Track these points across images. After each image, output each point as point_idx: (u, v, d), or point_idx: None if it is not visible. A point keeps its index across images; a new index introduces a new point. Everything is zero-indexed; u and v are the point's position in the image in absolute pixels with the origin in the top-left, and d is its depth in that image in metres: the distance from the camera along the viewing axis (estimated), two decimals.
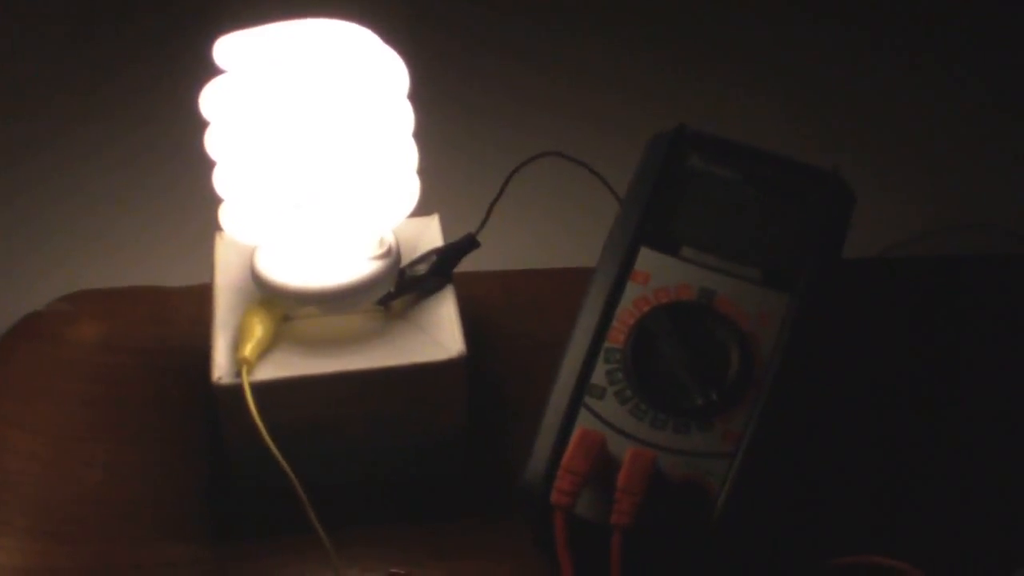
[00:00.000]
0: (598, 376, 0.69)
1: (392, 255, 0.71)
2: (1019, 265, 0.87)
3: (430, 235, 0.76)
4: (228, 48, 0.66)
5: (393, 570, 0.67)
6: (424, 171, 0.73)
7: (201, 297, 0.76)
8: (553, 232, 0.88)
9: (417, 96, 0.70)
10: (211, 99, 0.67)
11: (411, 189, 0.71)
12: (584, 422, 0.67)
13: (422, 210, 0.75)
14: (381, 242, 0.71)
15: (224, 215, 0.70)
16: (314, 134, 0.66)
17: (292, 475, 0.65)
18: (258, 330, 0.69)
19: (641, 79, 1.04)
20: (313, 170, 0.67)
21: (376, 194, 0.69)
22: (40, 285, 0.83)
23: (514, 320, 0.82)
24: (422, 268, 0.73)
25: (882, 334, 0.83)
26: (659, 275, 0.71)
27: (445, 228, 0.77)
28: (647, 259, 0.71)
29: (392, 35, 0.69)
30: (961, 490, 0.74)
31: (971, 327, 0.83)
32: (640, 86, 1.03)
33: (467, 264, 0.77)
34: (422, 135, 0.72)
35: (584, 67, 1.05)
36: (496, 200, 0.76)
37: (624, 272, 0.71)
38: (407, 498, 0.73)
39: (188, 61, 0.68)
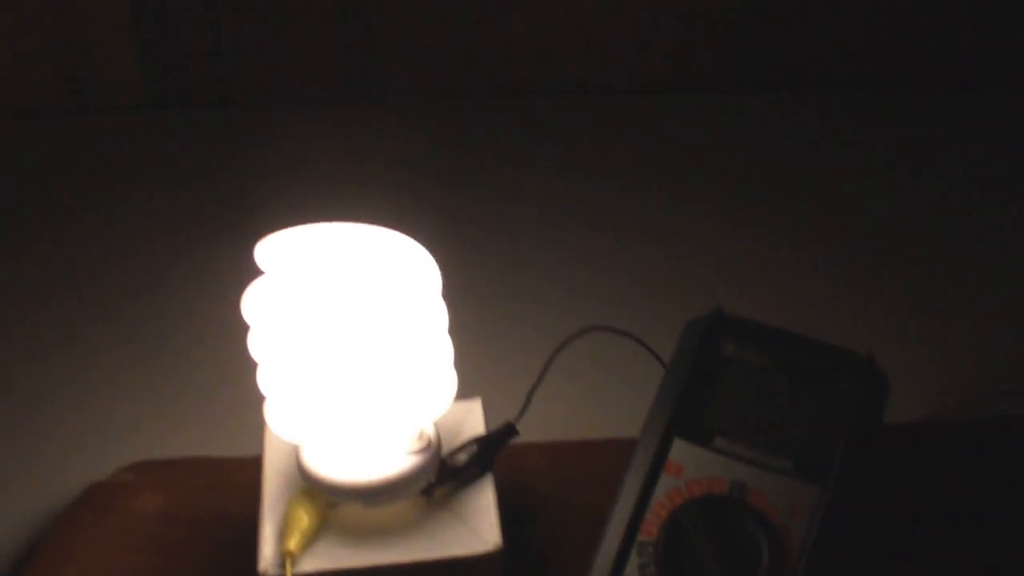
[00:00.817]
0: (631, 570, 0.70)
1: (432, 448, 0.73)
2: None
3: (473, 419, 0.78)
4: (268, 250, 0.69)
5: None
6: (470, 353, 0.75)
7: (255, 467, 0.78)
8: (602, 402, 0.90)
9: (460, 284, 0.73)
10: (251, 303, 0.70)
11: (449, 384, 0.73)
12: None
13: (467, 392, 0.77)
14: (421, 435, 0.73)
15: (268, 412, 0.72)
16: (351, 336, 0.68)
17: None
18: (303, 520, 0.72)
19: (677, 251, 1.07)
20: (352, 370, 0.69)
21: (414, 392, 0.71)
22: (104, 455, 0.87)
23: (562, 493, 0.84)
24: (463, 457, 0.75)
25: (927, 503, 0.83)
26: (692, 466, 0.72)
27: (492, 408, 0.79)
28: (680, 450, 0.72)
29: (423, 233, 0.72)
30: None
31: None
32: (676, 257, 1.06)
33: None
34: (466, 320, 0.74)
35: (614, 242, 1.08)
36: (536, 385, 0.78)
37: (658, 464, 0.72)
38: None
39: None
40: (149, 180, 1.17)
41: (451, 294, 0.73)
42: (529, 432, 0.82)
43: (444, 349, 0.73)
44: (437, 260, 0.70)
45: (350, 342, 0.69)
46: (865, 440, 0.73)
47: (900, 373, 0.76)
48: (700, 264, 1.06)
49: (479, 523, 0.73)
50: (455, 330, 0.73)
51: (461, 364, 0.75)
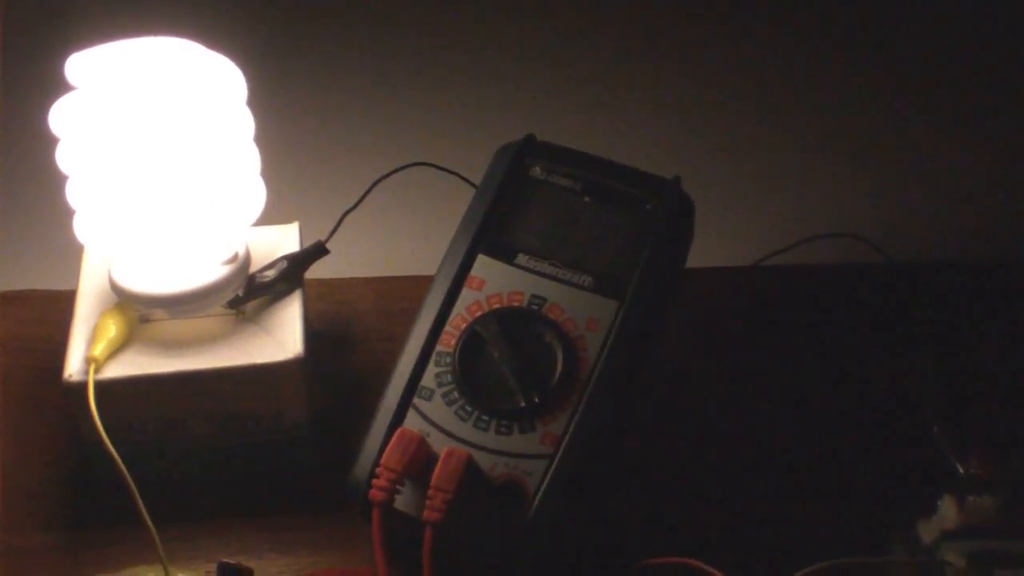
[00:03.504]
0: (428, 378, 0.71)
1: (239, 261, 0.74)
2: (876, 274, 0.90)
3: (289, 243, 0.79)
4: (77, 65, 0.70)
5: (223, 560, 0.69)
6: (298, 183, 0.76)
7: None
8: (429, 239, 0.91)
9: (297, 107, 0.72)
10: (60, 116, 0.70)
11: (255, 192, 0.74)
12: (411, 423, 0.70)
13: (292, 218, 0.79)
14: (229, 248, 0.74)
15: (78, 225, 0.73)
16: (157, 145, 0.69)
17: (124, 469, 0.69)
18: (111, 331, 0.73)
19: (507, 88, 1.08)
20: (158, 180, 0.70)
21: (220, 199, 0.72)
22: None
23: (385, 325, 0.85)
24: (271, 273, 0.76)
25: (740, 338, 0.85)
26: (494, 281, 0.73)
27: (315, 236, 0.80)
28: (483, 266, 0.74)
29: (246, 49, 0.73)
30: (785, 498, 0.77)
31: (830, 331, 0.86)
32: (507, 95, 1.07)
33: (343, 270, 0.81)
34: (294, 152, 0.74)
35: (449, 77, 1.09)
36: (351, 210, 0.79)
37: (460, 278, 0.73)
38: (250, 494, 0.76)
39: (43, 78, 0.72)
40: None
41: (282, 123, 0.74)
42: (358, 268, 0.84)
43: (250, 157, 0.74)
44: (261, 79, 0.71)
45: (155, 151, 0.69)
46: (667, 260, 0.74)
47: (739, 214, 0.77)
48: (527, 102, 1.07)
49: (283, 334, 0.74)
50: (282, 158, 0.75)
51: (289, 192, 0.76)
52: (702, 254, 0.79)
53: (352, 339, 0.84)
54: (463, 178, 0.82)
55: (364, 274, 0.87)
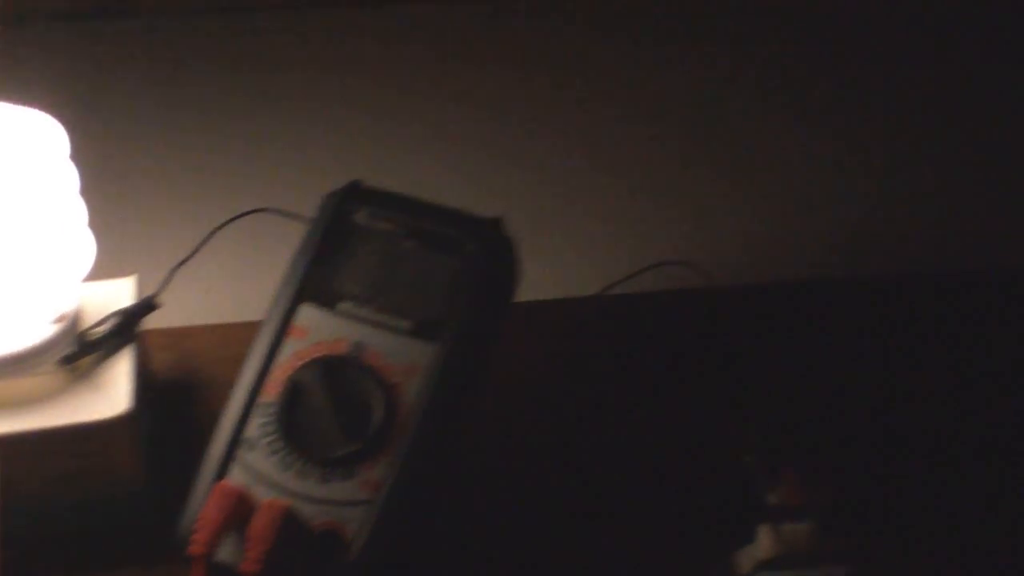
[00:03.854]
0: (251, 429, 0.72)
1: (69, 318, 0.75)
2: (703, 300, 0.91)
3: (125, 297, 0.80)
4: None
5: None
6: (136, 234, 0.77)
7: None
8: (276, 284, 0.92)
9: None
10: None
11: (84, 248, 0.75)
12: (235, 475, 0.71)
13: (134, 271, 0.81)
14: (59, 306, 0.75)
15: None
16: None
17: None
18: None
19: (349, 131, 1.09)
20: None
21: (45, 256, 0.73)
22: None
23: (230, 371, 0.85)
24: (102, 329, 0.77)
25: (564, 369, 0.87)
26: (317, 330, 0.74)
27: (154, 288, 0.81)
28: (306, 315, 0.75)
29: (69, 103, 0.73)
30: (607, 528, 0.78)
31: (653, 359, 0.88)
32: (349, 138, 1.08)
33: (191, 318, 0.82)
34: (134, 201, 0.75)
35: (287, 122, 1.10)
36: (184, 262, 0.80)
37: (283, 328, 0.75)
38: (86, 551, 0.77)
39: None
40: None
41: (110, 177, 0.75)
42: (205, 315, 0.84)
43: (76, 212, 0.75)
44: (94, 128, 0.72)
45: None
46: (487, 302, 0.75)
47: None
48: (369, 144, 1.09)
49: (112, 390, 0.75)
50: (119, 211, 0.75)
51: (129, 246, 0.77)
52: (544, 286, 0.80)
53: (198, 387, 0.85)
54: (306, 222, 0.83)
55: (213, 321, 0.88)
